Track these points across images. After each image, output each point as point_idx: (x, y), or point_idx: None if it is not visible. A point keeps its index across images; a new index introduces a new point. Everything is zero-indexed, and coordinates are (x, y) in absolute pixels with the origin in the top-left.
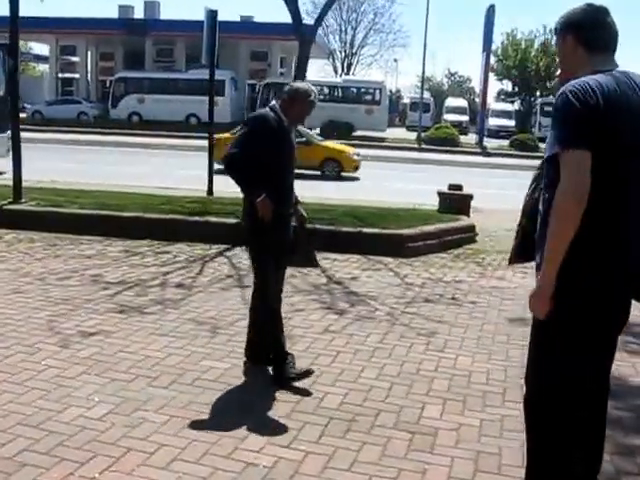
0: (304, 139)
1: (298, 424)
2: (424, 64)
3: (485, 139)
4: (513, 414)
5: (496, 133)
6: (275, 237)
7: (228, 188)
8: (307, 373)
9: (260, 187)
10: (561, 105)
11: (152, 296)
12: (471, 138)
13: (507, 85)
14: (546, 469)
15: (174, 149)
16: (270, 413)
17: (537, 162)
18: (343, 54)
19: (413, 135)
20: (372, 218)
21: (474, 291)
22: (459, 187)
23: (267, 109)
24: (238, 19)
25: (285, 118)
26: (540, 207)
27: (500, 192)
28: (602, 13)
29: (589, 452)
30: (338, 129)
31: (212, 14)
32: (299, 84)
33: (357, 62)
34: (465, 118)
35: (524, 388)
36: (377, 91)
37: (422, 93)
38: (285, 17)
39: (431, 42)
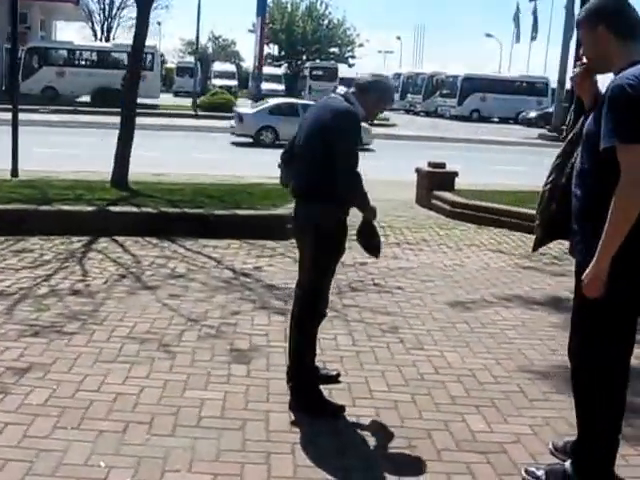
0: None
1: (357, 463)
2: (198, 27)
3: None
4: (554, 415)
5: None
6: (344, 241)
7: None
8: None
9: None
10: (619, 97)
11: (55, 309)
12: (244, 103)
13: (273, 49)
14: (597, 439)
15: None
16: (319, 453)
17: None
18: (102, 17)
19: (183, 101)
20: (227, 196)
21: (386, 274)
22: None
23: (347, 103)
24: None
25: (363, 112)
26: (578, 191)
27: None
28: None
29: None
30: (109, 97)
31: None
32: (382, 78)
33: (118, 25)
34: (234, 82)
35: (570, 364)
36: (149, 56)
37: (196, 59)
38: None
39: (194, 4)
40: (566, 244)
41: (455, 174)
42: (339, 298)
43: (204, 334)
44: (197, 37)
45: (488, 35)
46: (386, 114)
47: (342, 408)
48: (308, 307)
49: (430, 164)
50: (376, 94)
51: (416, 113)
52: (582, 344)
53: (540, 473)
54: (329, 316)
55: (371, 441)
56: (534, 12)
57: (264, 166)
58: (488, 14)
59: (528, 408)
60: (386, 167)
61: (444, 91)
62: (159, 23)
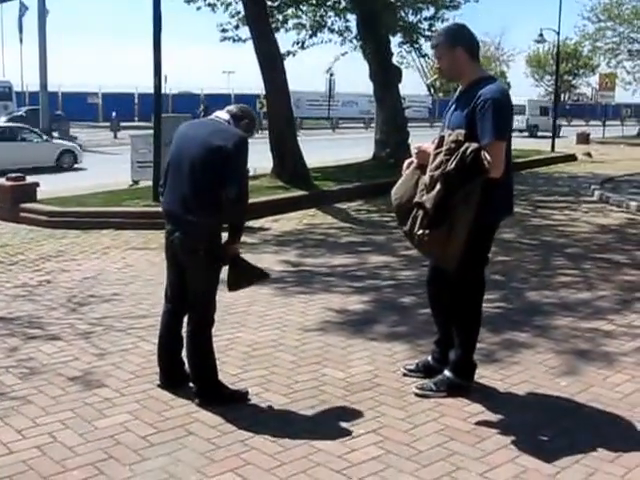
0: None
1: (330, 431)
2: None
3: None
4: (370, 353)
5: None
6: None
7: None
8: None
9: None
10: (503, 102)
11: None
12: None
13: None
14: (473, 339)
15: None
16: (297, 430)
17: None
18: None
19: None
20: None
21: (83, 285)
22: None
23: (234, 127)
24: None
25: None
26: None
27: None
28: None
29: None
30: None
31: None
32: (250, 109)
33: None
34: None
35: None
36: None
37: None
38: None
39: None
40: None
41: (36, 184)
42: (81, 314)
43: (20, 374)
44: None
45: None
46: None
47: (245, 391)
48: (205, 318)
49: (8, 177)
50: (246, 122)
51: None
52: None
53: (429, 384)
54: (97, 333)
55: (293, 408)
56: None
57: None
58: None
59: (351, 352)
60: None
61: None
62: None
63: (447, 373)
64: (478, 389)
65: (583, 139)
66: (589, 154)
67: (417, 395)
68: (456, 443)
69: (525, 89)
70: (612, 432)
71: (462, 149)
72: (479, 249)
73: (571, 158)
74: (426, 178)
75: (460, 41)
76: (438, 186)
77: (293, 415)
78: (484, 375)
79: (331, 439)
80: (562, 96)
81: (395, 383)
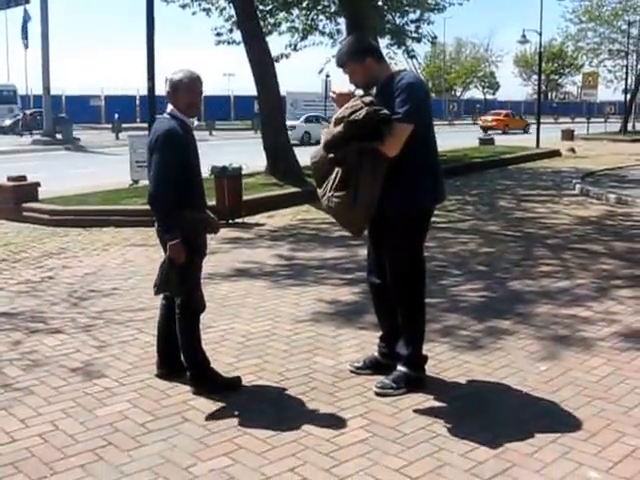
0: None
1: (322, 409)
2: None
3: None
4: (357, 342)
5: None
6: (202, 242)
7: None
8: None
9: (176, 225)
10: (417, 87)
11: None
12: None
13: None
14: (421, 329)
15: None
16: (292, 414)
17: None
18: None
19: None
20: None
21: (84, 281)
22: None
23: (169, 119)
24: None
25: (185, 117)
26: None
27: None
28: None
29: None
30: None
31: None
32: (179, 72)
33: None
34: None
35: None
36: None
37: None
38: None
39: None
40: None
41: (37, 184)
42: (82, 308)
43: (23, 366)
44: None
45: None
46: None
47: (239, 379)
48: (188, 306)
49: (10, 178)
50: (182, 99)
51: None
52: (401, 255)
53: (388, 382)
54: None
55: (286, 394)
56: None
57: None
58: None
59: (341, 341)
60: None
61: None
62: None
63: (402, 368)
64: (461, 373)
65: (568, 135)
66: (573, 150)
67: (378, 394)
68: (439, 425)
69: (514, 88)
70: (587, 412)
71: (378, 107)
72: (410, 234)
73: (556, 154)
74: (337, 114)
75: (367, 52)
76: (340, 127)
77: (285, 401)
78: (468, 360)
79: (321, 423)
80: (549, 95)
81: (382, 370)
